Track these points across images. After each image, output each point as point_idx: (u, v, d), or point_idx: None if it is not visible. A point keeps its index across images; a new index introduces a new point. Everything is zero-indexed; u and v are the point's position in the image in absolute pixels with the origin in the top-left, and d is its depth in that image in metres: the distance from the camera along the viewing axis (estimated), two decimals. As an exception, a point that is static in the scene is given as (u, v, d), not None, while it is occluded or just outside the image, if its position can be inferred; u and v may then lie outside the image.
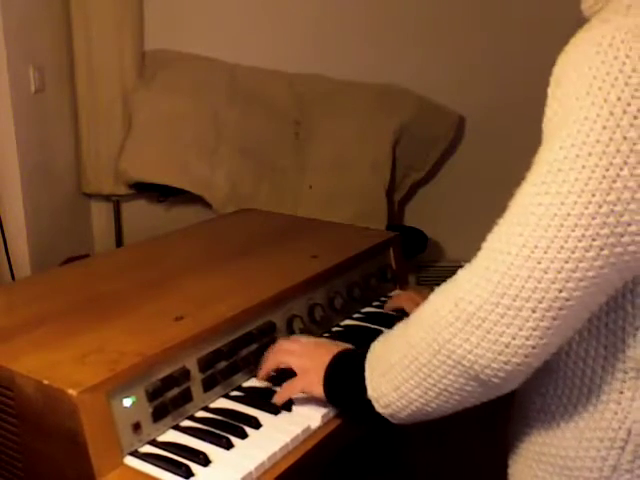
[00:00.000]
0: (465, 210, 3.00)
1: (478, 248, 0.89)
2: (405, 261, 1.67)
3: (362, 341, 1.34)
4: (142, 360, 1.05)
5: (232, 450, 1.03)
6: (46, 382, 0.99)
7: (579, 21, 0.85)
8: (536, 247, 0.78)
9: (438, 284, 0.94)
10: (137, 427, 1.03)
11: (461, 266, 0.90)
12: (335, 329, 1.41)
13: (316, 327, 1.37)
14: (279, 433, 1.06)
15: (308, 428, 1.08)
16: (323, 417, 1.11)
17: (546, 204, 0.79)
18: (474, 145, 2.98)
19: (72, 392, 0.96)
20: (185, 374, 1.10)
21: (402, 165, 2.88)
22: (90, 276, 1.48)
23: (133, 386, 1.03)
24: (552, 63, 0.84)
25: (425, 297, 1.40)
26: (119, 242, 3.09)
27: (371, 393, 0.98)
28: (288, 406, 1.13)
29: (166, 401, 1.07)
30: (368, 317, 1.47)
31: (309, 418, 1.10)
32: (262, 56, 2.93)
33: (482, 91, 2.87)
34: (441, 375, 0.88)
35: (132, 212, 3.11)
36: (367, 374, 0.99)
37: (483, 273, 0.83)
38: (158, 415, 1.06)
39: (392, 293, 1.58)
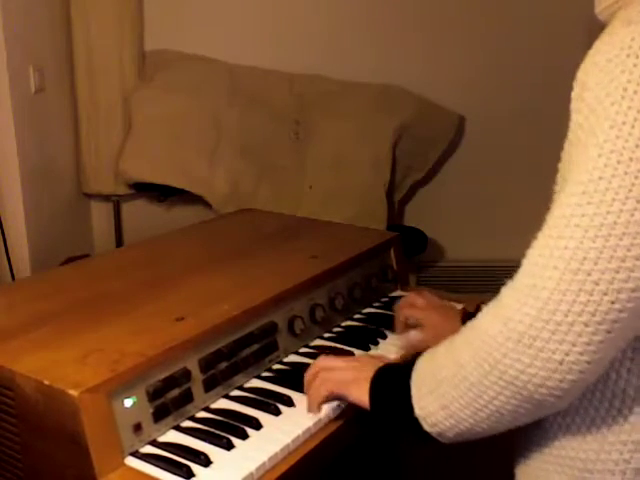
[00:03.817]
0: (465, 210, 3.00)
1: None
2: (406, 261, 1.67)
3: (363, 342, 1.34)
4: (143, 360, 1.05)
5: (233, 451, 1.03)
6: (47, 382, 0.99)
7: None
8: (585, 259, 0.76)
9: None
10: (138, 427, 1.03)
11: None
12: (336, 329, 1.41)
13: (317, 327, 1.37)
14: (280, 434, 1.06)
15: (309, 429, 1.08)
16: (324, 418, 1.11)
17: (590, 214, 0.76)
18: (474, 145, 2.98)
19: (73, 392, 0.96)
20: (186, 374, 1.10)
21: (402, 165, 2.88)
22: (90, 276, 1.47)
23: (134, 386, 1.03)
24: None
25: (425, 297, 1.39)
26: (119, 242, 3.09)
27: (418, 412, 0.95)
28: (290, 402, 1.13)
29: (167, 401, 1.07)
30: (369, 318, 1.47)
31: (310, 419, 1.10)
32: (262, 56, 2.92)
33: (482, 91, 2.87)
34: (492, 396, 0.85)
35: (132, 212, 3.11)
36: (413, 392, 0.96)
37: (530, 291, 0.80)
38: (159, 415, 1.06)
39: (393, 294, 1.58)
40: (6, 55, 2.42)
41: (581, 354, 0.78)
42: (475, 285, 2.82)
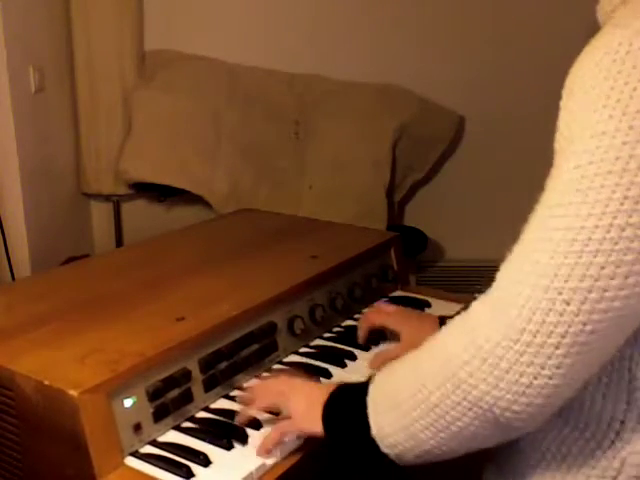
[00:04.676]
0: (465, 210, 3.00)
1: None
2: (406, 261, 1.67)
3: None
4: (143, 360, 1.05)
5: (233, 451, 1.03)
6: (46, 382, 0.99)
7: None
8: (556, 276, 0.71)
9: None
10: (138, 427, 1.03)
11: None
12: (336, 329, 1.41)
13: (317, 327, 1.37)
14: (280, 433, 1.06)
15: (309, 428, 1.08)
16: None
17: (563, 228, 0.72)
18: (474, 145, 2.98)
19: (73, 393, 0.96)
20: (186, 375, 1.10)
21: (402, 165, 2.88)
22: (90, 276, 1.47)
23: (134, 386, 1.03)
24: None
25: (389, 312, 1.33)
26: (119, 242, 3.09)
27: (376, 432, 0.88)
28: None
29: (167, 401, 1.07)
30: (369, 317, 1.46)
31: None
32: (262, 56, 2.92)
33: (482, 91, 2.87)
34: (455, 417, 0.79)
35: (132, 212, 3.11)
36: (370, 411, 0.89)
37: (499, 307, 0.75)
38: (159, 415, 1.06)
39: (393, 294, 1.58)
40: (6, 55, 2.42)
41: (550, 378, 0.73)
42: (475, 285, 2.81)
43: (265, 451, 1.02)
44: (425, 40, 2.90)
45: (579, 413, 0.83)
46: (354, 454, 0.97)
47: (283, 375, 1.17)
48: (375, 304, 1.42)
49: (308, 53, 2.91)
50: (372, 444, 0.89)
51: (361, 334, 1.34)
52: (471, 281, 2.87)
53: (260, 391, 1.09)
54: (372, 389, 0.91)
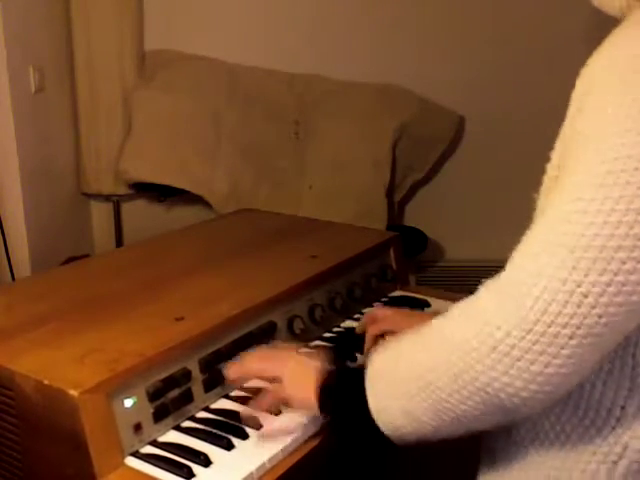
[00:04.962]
0: (465, 210, 3.00)
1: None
2: (406, 261, 1.67)
3: (362, 342, 1.34)
4: (143, 360, 1.05)
5: (233, 451, 1.03)
6: (46, 382, 0.99)
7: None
8: (574, 269, 0.71)
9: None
10: (138, 427, 1.03)
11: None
12: (336, 329, 1.41)
13: (316, 327, 1.37)
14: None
15: (309, 429, 1.08)
16: (324, 418, 1.10)
17: (585, 223, 0.71)
18: (474, 145, 2.98)
19: (73, 392, 0.96)
20: (186, 374, 1.10)
21: (402, 165, 2.88)
22: (90, 276, 1.48)
23: (134, 386, 1.03)
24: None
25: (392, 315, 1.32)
26: (119, 242, 3.09)
27: (376, 416, 0.88)
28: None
29: (167, 402, 1.07)
30: (368, 317, 1.46)
31: (310, 419, 1.10)
32: (262, 56, 2.92)
33: (482, 91, 2.87)
34: (459, 400, 0.79)
35: (132, 212, 3.11)
36: (369, 393, 0.89)
37: (512, 296, 0.75)
38: (159, 416, 1.06)
39: (393, 294, 1.58)
40: (6, 55, 2.42)
41: (561, 366, 0.73)
42: (475, 285, 2.81)
43: (260, 408, 1.04)
44: (425, 40, 2.90)
45: (578, 399, 0.83)
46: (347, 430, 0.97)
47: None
48: (371, 310, 1.41)
49: (308, 53, 2.91)
50: (370, 425, 0.89)
51: (367, 347, 1.32)
52: (471, 281, 2.87)
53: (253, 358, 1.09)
54: (370, 369, 0.91)
